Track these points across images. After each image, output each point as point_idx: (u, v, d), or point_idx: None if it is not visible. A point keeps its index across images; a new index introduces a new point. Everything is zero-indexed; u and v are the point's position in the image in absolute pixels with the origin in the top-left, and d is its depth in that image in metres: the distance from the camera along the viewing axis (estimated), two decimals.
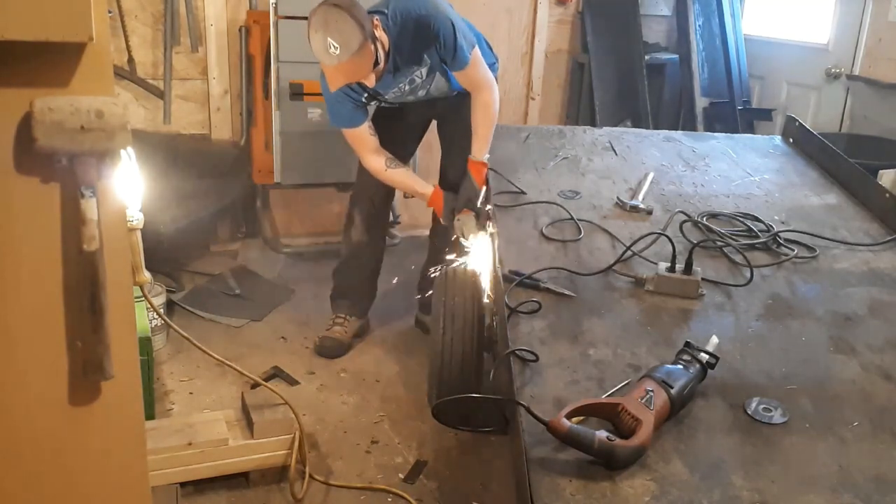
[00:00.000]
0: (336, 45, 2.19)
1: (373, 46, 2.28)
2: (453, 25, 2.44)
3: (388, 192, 2.91)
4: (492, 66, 2.73)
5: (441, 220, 2.73)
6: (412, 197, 2.83)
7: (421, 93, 2.64)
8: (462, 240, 2.59)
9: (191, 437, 2.12)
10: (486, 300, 2.31)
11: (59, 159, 1.10)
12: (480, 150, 2.65)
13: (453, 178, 2.78)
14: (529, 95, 4.51)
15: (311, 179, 3.57)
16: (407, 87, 2.59)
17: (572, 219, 2.44)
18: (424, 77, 2.58)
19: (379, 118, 2.75)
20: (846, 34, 3.92)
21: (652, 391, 1.47)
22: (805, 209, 2.63)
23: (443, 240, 2.90)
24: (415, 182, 2.73)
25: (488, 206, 2.54)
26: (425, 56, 2.50)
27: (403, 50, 2.46)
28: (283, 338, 3.11)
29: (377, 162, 2.66)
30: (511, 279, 2.04)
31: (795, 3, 4.41)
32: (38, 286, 1.16)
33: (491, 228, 2.43)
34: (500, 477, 2.30)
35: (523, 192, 2.64)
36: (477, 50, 2.56)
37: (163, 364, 2.84)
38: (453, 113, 2.78)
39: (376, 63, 2.33)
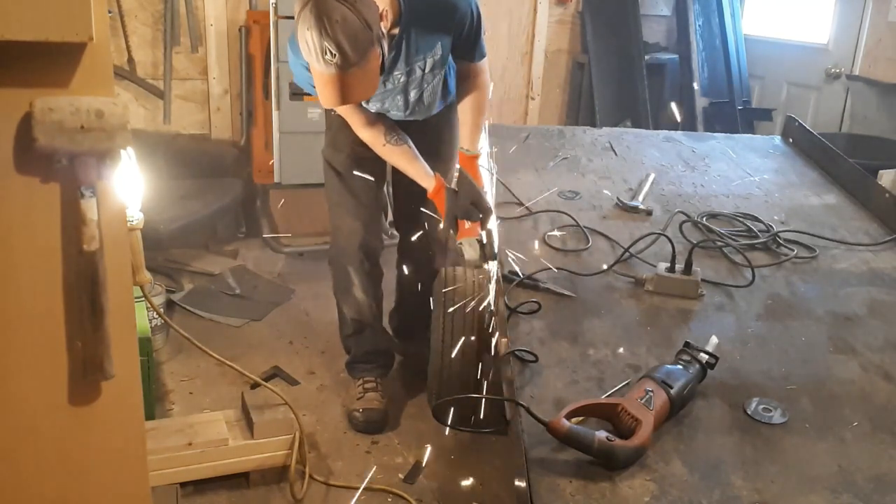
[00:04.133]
0: (334, 51, 1.75)
1: (379, 48, 1.85)
2: (477, 8, 2.12)
3: (376, 239, 2.53)
4: None
5: (443, 220, 2.26)
6: None
7: (412, 93, 2.21)
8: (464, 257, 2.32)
9: (191, 437, 2.12)
10: (486, 301, 2.30)
11: (59, 159, 1.10)
12: (475, 141, 2.25)
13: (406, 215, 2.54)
14: (529, 95, 4.51)
15: (310, 179, 3.57)
16: (402, 80, 2.15)
17: (578, 226, 2.37)
18: (427, 71, 2.15)
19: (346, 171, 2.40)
20: (846, 34, 3.92)
21: (651, 391, 1.47)
22: (805, 209, 2.62)
23: (410, 266, 2.67)
24: (417, 166, 2.23)
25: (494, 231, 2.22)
26: (439, 44, 2.10)
27: (415, 32, 2.05)
28: (282, 337, 3.11)
29: (373, 134, 2.22)
30: (511, 279, 2.04)
31: (795, 3, 4.41)
32: (38, 286, 1.16)
33: (494, 263, 2.17)
34: (500, 477, 2.30)
35: (528, 211, 2.45)
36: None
37: (163, 364, 2.84)
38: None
39: (382, 69, 1.92)
